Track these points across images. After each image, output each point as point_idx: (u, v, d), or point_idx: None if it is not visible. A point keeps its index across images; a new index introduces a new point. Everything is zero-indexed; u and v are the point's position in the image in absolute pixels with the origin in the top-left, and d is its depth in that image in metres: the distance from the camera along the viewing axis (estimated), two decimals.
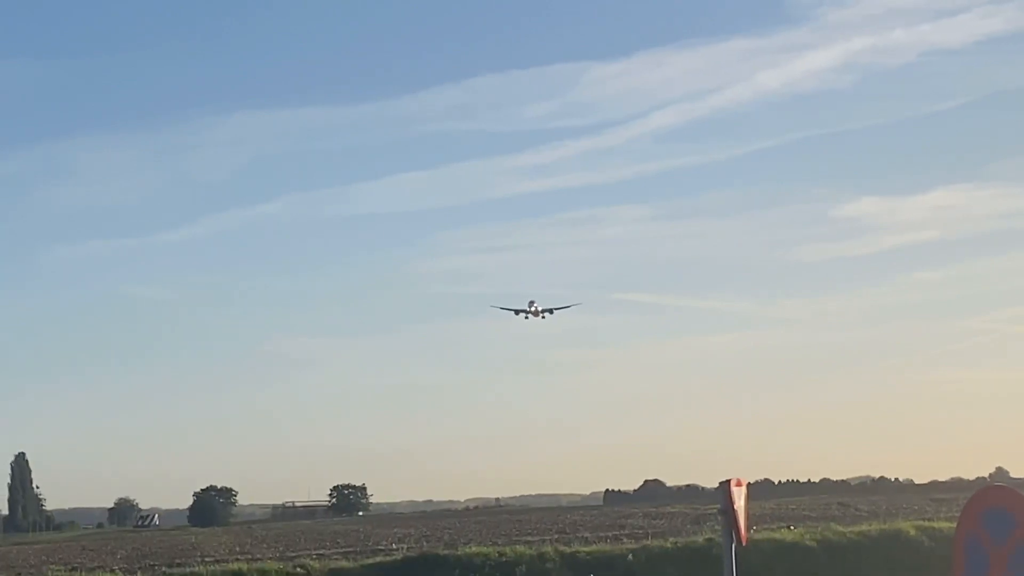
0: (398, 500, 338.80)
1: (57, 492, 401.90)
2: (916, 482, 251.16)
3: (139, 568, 70.78)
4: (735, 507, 24.72)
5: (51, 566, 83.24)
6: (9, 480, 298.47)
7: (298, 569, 61.14)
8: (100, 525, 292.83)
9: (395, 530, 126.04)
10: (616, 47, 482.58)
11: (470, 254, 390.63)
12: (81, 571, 67.72)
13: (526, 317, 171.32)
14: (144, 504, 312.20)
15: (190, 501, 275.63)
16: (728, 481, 24.83)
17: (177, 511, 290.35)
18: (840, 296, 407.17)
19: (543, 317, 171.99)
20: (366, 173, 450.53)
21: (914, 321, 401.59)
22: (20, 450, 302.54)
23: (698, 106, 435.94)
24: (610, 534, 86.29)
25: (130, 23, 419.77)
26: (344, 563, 64.21)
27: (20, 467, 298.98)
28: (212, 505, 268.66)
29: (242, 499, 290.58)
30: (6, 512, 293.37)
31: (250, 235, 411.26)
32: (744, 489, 25.28)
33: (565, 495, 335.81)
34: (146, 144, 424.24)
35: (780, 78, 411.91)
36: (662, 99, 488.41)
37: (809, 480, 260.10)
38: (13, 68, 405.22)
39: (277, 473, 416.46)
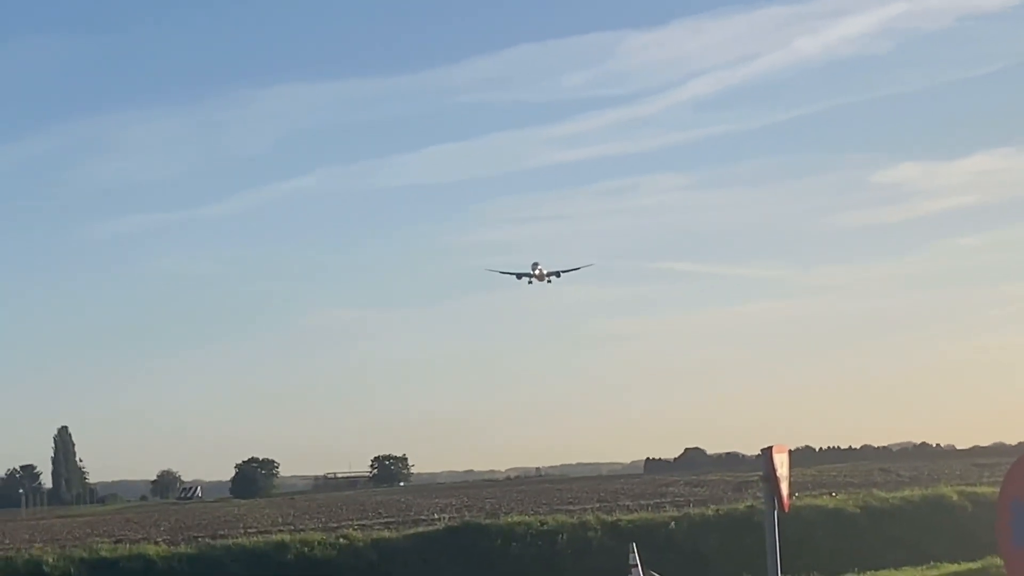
0: (439, 470, 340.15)
1: (100, 465, 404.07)
2: (958, 447, 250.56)
3: (183, 540, 71.19)
4: (777, 474, 24.66)
5: (96, 538, 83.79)
6: (53, 454, 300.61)
7: (341, 540, 61.21)
8: (143, 498, 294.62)
9: (436, 500, 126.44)
10: (653, 15, 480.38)
11: (508, 225, 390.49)
12: (126, 543, 68.04)
13: (529, 282, 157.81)
14: (186, 477, 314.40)
15: (232, 473, 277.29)
16: (770, 448, 24.76)
17: (219, 483, 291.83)
18: (880, 263, 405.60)
19: (549, 281, 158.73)
20: (404, 145, 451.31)
21: (954, 287, 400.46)
22: (63, 424, 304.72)
23: (735, 74, 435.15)
24: (651, 502, 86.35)
25: None
26: (387, 533, 64.26)
27: (63, 441, 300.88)
28: (254, 477, 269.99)
29: (283, 470, 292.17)
30: (50, 485, 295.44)
31: (289, 208, 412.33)
32: (786, 456, 25.22)
33: (605, 464, 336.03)
34: (185, 118, 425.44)
35: (818, 44, 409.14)
36: (699, 67, 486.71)
37: (850, 447, 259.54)
38: (53, 43, 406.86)
39: (318, 444, 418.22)
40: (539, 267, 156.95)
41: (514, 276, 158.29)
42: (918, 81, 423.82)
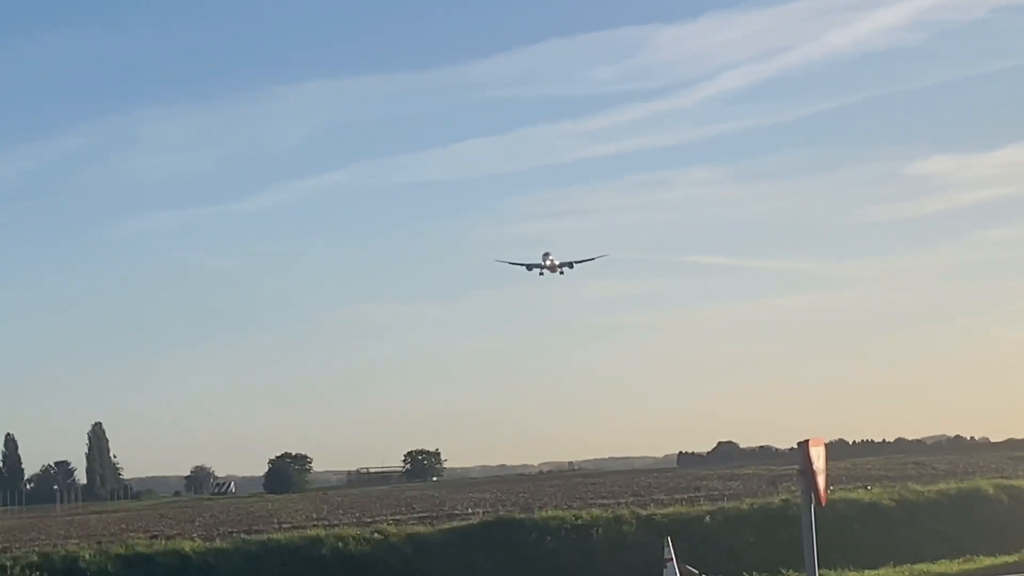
0: (472, 465, 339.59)
1: (134, 461, 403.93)
2: (992, 440, 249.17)
3: (217, 535, 71.34)
4: (814, 467, 24.57)
5: (131, 534, 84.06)
6: (87, 450, 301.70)
7: (376, 535, 61.43)
8: (177, 493, 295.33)
9: (470, 495, 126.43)
10: (683, 9, 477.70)
11: (537, 219, 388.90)
12: (161, 539, 68.32)
13: (541, 273, 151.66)
14: (220, 472, 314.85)
15: (265, 468, 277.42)
16: (806, 441, 24.68)
17: (253, 478, 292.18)
18: (913, 255, 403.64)
19: (561, 272, 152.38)
20: (434, 140, 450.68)
21: (988, 278, 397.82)
22: (97, 420, 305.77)
23: (767, 67, 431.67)
24: (685, 496, 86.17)
25: None
26: (421, 528, 64.46)
27: (97, 437, 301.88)
28: (287, 472, 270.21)
29: (317, 466, 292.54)
30: (85, 482, 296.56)
31: (320, 203, 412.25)
32: (823, 449, 25.13)
33: (638, 458, 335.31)
34: (214, 114, 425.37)
35: (850, 36, 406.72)
36: (730, 60, 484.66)
37: (884, 440, 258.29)
38: (83, 39, 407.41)
39: (351, 440, 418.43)
40: (550, 257, 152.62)
41: (524, 267, 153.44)
42: (950, 73, 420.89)
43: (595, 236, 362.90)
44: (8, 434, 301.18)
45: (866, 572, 53.63)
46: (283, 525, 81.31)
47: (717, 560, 55.79)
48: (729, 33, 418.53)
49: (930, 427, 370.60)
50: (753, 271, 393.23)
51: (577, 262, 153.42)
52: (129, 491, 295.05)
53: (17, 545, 78.41)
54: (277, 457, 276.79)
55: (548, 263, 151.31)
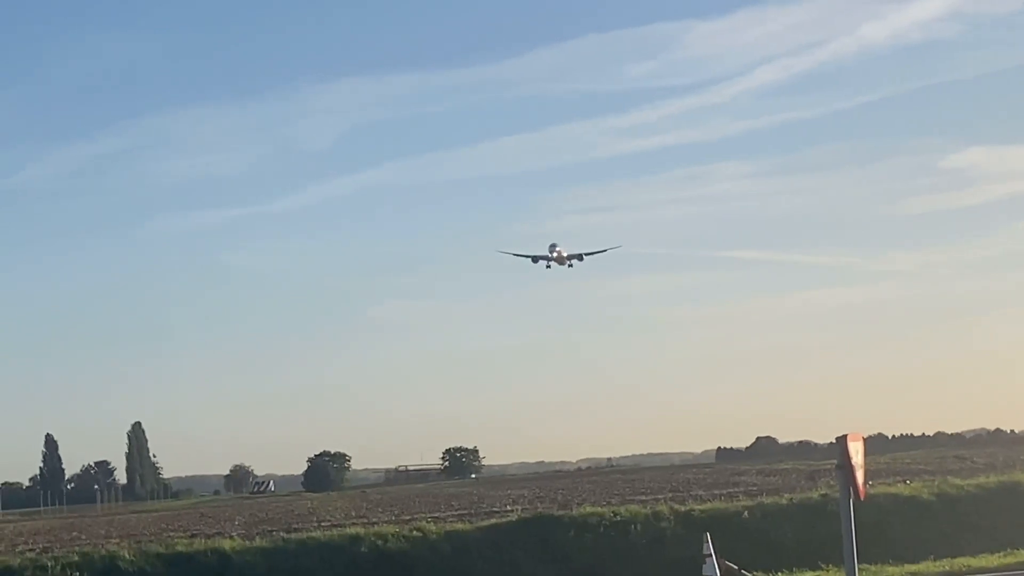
0: (510, 462, 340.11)
1: (173, 461, 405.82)
2: None
3: (257, 534, 71.46)
4: (853, 462, 24.57)
5: (171, 533, 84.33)
6: (127, 449, 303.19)
7: (415, 532, 61.46)
8: (216, 492, 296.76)
9: (508, 492, 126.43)
10: (718, 4, 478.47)
11: (574, 215, 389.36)
12: (201, 538, 68.52)
13: (547, 266, 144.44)
14: (259, 471, 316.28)
15: (304, 467, 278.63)
16: (845, 436, 24.67)
17: (292, 477, 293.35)
18: (949, 247, 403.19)
19: (570, 265, 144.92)
20: (468, 137, 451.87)
21: None
22: (137, 420, 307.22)
23: (802, 61, 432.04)
24: (724, 492, 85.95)
25: None
26: (460, 525, 64.45)
27: (137, 437, 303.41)
28: (326, 470, 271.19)
29: (355, 464, 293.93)
30: (124, 481, 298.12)
31: (355, 202, 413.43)
32: (861, 444, 25.12)
33: (676, 453, 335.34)
34: (251, 113, 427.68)
35: (885, 30, 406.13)
36: (766, 55, 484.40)
37: (923, 434, 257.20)
38: (122, 42, 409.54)
39: (389, 438, 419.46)
40: (558, 249, 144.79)
41: (529, 259, 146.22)
42: (987, 64, 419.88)
43: (630, 232, 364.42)
44: (48, 435, 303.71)
45: (906, 567, 53.43)
46: (322, 523, 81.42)
47: (756, 555, 55.59)
48: (763, 28, 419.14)
49: (970, 420, 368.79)
50: (789, 265, 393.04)
51: (587, 254, 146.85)
52: (169, 490, 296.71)
53: (58, 545, 78.75)
54: (316, 456, 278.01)
55: (555, 255, 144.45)
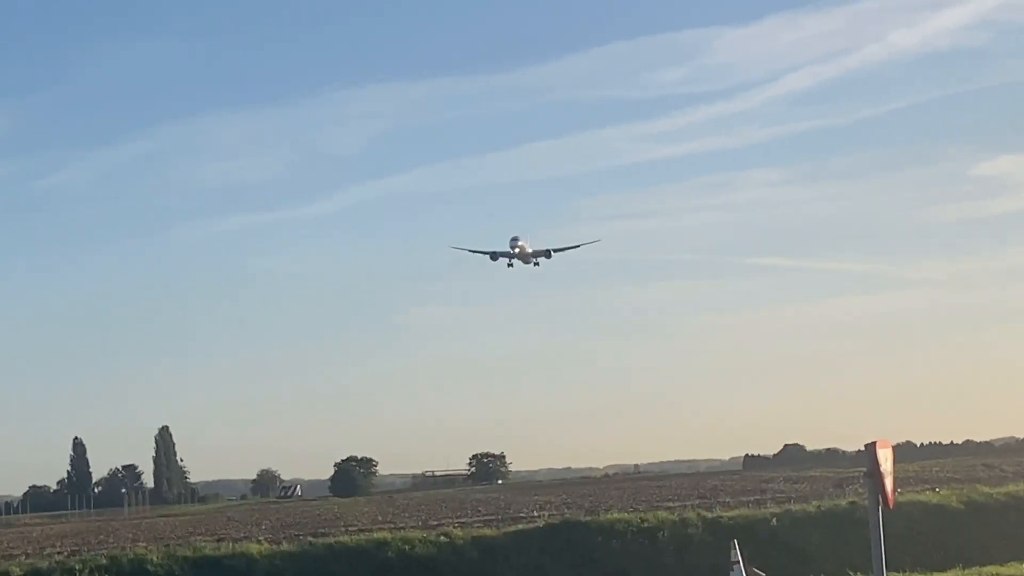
0: (537, 468, 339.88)
1: (201, 465, 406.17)
2: None
3: (284, 538, 71.67)
4: (881, 469, 24.49)
5: (198, 537, 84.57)
6: (154, 454, 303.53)
7: (442, 537, 61.52)
8: (243, 497, 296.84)
9: (535, 497, 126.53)
10: (747, 11, 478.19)
11: (602, 221, 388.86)
12: (228, 542, 68.72)
13: (509, 264, 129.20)
14: (286, 475, 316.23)
15: (331, 472, 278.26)
16: (874, 443, 24.58)
17: (319, 482, 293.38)
18: (979, 255, 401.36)
19: (536, 264, 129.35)
20: (497, 143, 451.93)
21: None
22: (164, 424, 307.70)
23: (831, 68, 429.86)
24: (751, 499, 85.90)
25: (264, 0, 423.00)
26: (487, 531, 64.50)
27: (164, 441, 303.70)
28: (353, 475, 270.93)
29: (382, 469, 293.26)
30: (152, 485, 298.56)
31: (384, 207, 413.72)
32: (890, 451, 25.03)
33: (704, 460, 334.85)
34: (280, 119, 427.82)
35: (914, 37, 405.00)
36: (795, 62, 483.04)
37: (952, 442, 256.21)
38: (152, 47, 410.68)
39: (416, 443, 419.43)
40: (519, 243, 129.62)
41: (488, 256, 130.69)
42: (1016, 72, 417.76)
43: (659, 238, 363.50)
44: (76, 438, 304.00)
45: (934, 574, 53.28)
46: (349, 528, 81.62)
47: (784, 562, 55.52)
48: (792, 34, 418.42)
49: (999, 429, 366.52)
50: (818, 272, 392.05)
51: (556, 250, 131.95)
52: (196, 494, 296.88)
53: (86, 548, 79.12)
54: (343, 460, 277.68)
55: (518, 250, 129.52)
